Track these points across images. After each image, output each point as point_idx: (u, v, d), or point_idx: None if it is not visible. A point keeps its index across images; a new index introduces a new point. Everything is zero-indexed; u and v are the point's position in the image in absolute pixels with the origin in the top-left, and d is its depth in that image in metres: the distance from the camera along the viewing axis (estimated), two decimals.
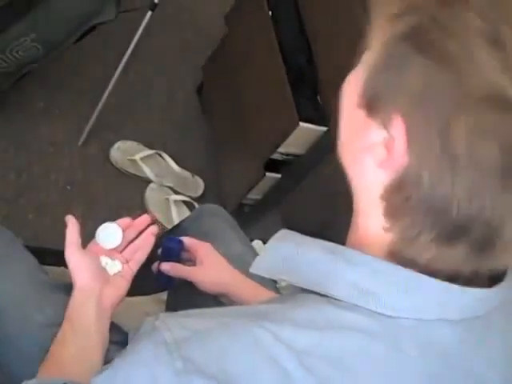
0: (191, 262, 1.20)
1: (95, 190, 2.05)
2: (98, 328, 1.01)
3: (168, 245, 1.19)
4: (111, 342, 1.04)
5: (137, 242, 1.14)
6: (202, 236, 1.28)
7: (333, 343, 0.61)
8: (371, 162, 0.63)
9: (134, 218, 1.15)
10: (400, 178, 0.61)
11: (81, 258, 1.05)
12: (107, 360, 0.99)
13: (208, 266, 1.18)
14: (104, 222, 1.14)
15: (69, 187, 2.01)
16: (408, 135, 0.59)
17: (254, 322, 0.62)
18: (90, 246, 1.08)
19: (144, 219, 1.16)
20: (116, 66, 1.90)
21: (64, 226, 1.07)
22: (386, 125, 0.61)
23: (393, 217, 0.64)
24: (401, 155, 0.60)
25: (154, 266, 1.19)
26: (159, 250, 1.18)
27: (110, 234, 1.11)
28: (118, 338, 1.10)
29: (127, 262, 1.11)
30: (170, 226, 1.94)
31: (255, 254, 1.36)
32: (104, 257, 1.08)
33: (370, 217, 0.66)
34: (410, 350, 0.63)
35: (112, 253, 1.10)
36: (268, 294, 1.17)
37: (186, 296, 1.20)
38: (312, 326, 0.62)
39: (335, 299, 0.64)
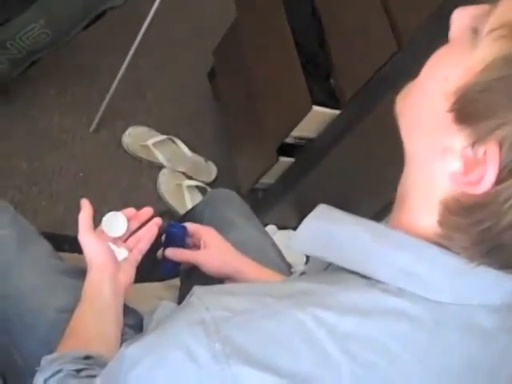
0: (196, 247, 1.20)
1: (108, 176, 2.05)
2: (115, 306, 1.02)
3: (171, 231, 1.20)
4: (127, 325, 1.05)
5: (140, 231, 1.16)
6: (215, 221, 1.28)
7: (376, 328, 0.61)
8: (440, 165, 0.61)
9: (139, 208, 1.17)
10: (475, 202, 0.59)
11: (95, 241, 1.06)
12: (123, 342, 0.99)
13: (212, 250, 1.18)
14: (117, 208, 1.14)
15: (81, 174, 2.00)
16: (500, 165, 0.56)
17: (298, 305, 0.61)
18: (96, 233, 1.08)
19: (148, 210, 1.17)
20: (126, 52, 1.89)
21: (77, 211, 1.07)
22: (473, 142, 0.58)
23: (449, 228, 0.62)
24: (488, 184, 0.57)
25: (159, 253, 1.20)
26: (163, 237, 1.19)
27: (115, 222, 1.12)
28: (134, 322, 1.11)
29: (131, 250, 1.12)
30: (183, 212, 1.93)
31: (269, 238, 1.36)
32: (110, 244, 1.08)
33: (420, 212, 0.65)
34: (453, 335, 0.62)
35: (116, 241, 1.11)
36: (280, 277, 1.17)
37: (198, 281, 1.20)
38: (356, 310, 0.61)
39: (378, 281, 0.63)
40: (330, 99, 1.79)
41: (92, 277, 1.03)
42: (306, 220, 0.70)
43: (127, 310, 1.06)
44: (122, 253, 1.10)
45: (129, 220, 1.14)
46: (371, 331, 0.60)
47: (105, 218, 1.11)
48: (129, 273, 1.09)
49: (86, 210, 1.07)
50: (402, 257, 0.63)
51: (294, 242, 0.71)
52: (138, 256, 1.12)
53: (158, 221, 1.17)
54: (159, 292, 1.34)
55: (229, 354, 0.58)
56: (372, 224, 0.66)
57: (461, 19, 0.64)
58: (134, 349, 0.63)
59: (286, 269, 1.28)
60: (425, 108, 0.64)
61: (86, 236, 1.05)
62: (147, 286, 1.32)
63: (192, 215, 1.39)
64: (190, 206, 2.02)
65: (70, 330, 0.96)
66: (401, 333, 0.61)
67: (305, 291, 0.64)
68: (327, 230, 0.68)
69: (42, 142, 2.01)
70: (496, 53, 0.57)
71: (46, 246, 1.16)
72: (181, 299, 1.29)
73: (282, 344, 0.59)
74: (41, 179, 1.93)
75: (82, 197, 1.11)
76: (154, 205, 2.00)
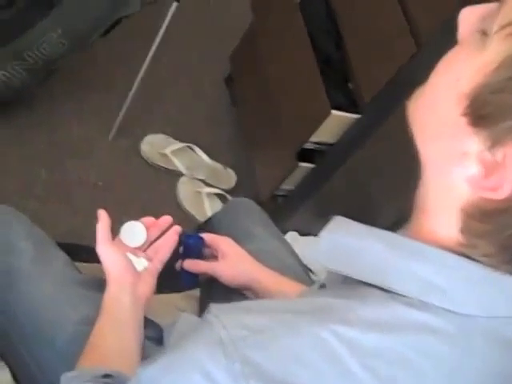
0: (214, 257, 1.19)
1: (126, 184, 2.04)
2: (135, 319, 1.00)
3: (189, 242, 1.18)
4: (147, 337, 1.03)
5: (160, 241, 1.13)
6: (233, 231, 1.26)
7: (399, 343, 0.58)
8: (458, 170, 0.59)
9: (158, 217, 1.14)
10: (497, 207, 0.57)
11: (113, 252, 1.04)
12: (144, 356, 0.97)
13: (229, 260, 1.16)
14: (136, 216, 1.13)
15: (100, 183, 2.00)
16: None
17: (318, 322, 0.59)
18: (115, 243, 1.07)
19: (167, 219, 1.15)
20: (143, 60, 1.88)
21: (96, 221, 1.06)
22: (490, 145, 0.56)
23: (471, 235, 0.60)
24: (509, 188, 0.55)
25: (177, 265, 1.18)
26: (181, 248, 1.17)
27: (134, 232, 1.10)
28: (154, 334, 1.09)
29: (151, 260, 1.10)
30: (202, 220, 1.92)
31: (289, 248, 1.34)
32: (129, 254, 1.07)
33: (440, 220, 0.63)
34: (480, 348, 0.60)
35: (136, 251, 1.09)
36: (299, 287, 1.15)
37: (218, 292, 1.18)
38: (377, 325, 0.59)
39: (399, 295, 0.60)
40: (348, 103, 1.77)
41: (111, 289, 1.01)
42: (322, 233, 0.69)
43: (147, 323, 1.04)
44: (141, 263, 1.08)
45: (148, 229, 1.12)
46: (394, 346, 0.58)
47: (123, 228, 1.10)
48: (149, 283, 1.07)
49: (103, 220, 1.06)
50: (424, 268, 0.61)
51: (310, 257, 0.69)
52: (158, 265, 1.10)
53: (177, 229, 1.15)
54: (179, 303, 1.32)
55: (248, 374, 0.56)
56: (390, 235, 0.64)
57: (468, 19, 0.62)
58: (150, 370, 0.62)
59: (306, 278, 1.26)
60: (437, 112, 0.62)
61: (103, 247, 1.04)
62: (167, 297, 1.31)
63: (210, 224, 1.37)
64: (209, 213, 2.01)
65: (90, 345, 0.94)
66: (425, 347, 0.58)
67: (324, 307, 0.62)
68: (344, 242, 0.66)
69: (60, 151, 2.01)
70: (506, 52, 0.55)
71: (63, 257, 1.15)
72: (201, 310, 1.28)
73: (303, 362, 0.57)
74: (60, 188, 1.93)
75: (101, 206, 1.10)
76: (174, 213, 1.98)
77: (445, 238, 0.62)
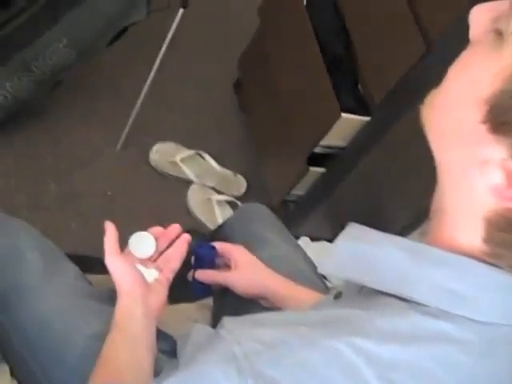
0: (226, 267, 1.16)
1: (136, 194, 2.03)
2: (147, 332, 0.97)
3: (200, 252, 1.16)
4: (160, 350, 1.01)
5: (170, 250, 1.10)
6: (246, 237, 1.24)
7: (419, 355, 0.56)
8: (480, 179, 0.57)
9: (166, 226, 1.12)
10: None
11: (122, 264, 1.01)
12: (157, 368, 0.95)
13: (243, 270, 1.14)
14: (147, 226, 1.11)
15: (109, 193, 1.98)
16: None
17: (333, 334, 0.57)
18: (123, 255, 1.04)
19: (176, 228, 1.12)
20: (150, 67, 1.87)
21: (104, 232, 1.04)
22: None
23: (496, 245, 0.58)
24: None
25: (189, 275, 1.16)
26: (192, 259, 1.14)
27: (143, 243, 1.08)
28: (167, 347, 1.06)
29: (161, 271, 1.07)
30: (213, 227, 1.90)
31: (302, 254, 1.32)
32: (138, 265, 1.04)
33: (462, 228, 0.61)
34: (504, 357, 0.58)
35: (145, 262, 1.07)
36: (314, 295, 1.13)
37: (232, 301, 1.16)
38: (396, 336, 0.57)
39: (419, 304, 0.58)
40: (358, 106, 1.75)
41: (122, 302, 0.99)
42: (336, 242, 0.67)
43: (160, 335, 1.02)
44: (152, 274, 1.05)
45: (157, 239, 1.09)
46: (414, 358, 0.56)
47: (131, 239, 1.07)
48: (161, 294, 1.04)
49: (110, 232, 1.03)
50: (444, 275, 0.59)
51: (326, 266, 0.67)
52: (169, 275, 1.07)
53: (187, 237, 1.12)
54: (192, 313, 1.30)
55: None
56: (409, 242, 0.62)
57: (479, 18, 0.59)
58: None
59: (321, 284, 1.24)
60: (454, 118, 0.59)
61: (111, 259, 1.01)
62: (179, 308, 1.29)
63: (222, 231, 1.35)
64: (220, 221, 1.99)
65: (102, 360, 0.92)
66: (447, 358, 0.56)
67: (340, 319, 0.60)
68: (360, 251, 0.64)
69: (69, 161, 2.00)
70: None
71: (73, 269, 1.13)
72: (214, 320, 1.26)
73: (318, 376, 0.55)
74: (69, 200, 1.92)
75: (111, 216, 1.08)
76: (184, 221, 1.97)
77: (466, 245, 0.60)
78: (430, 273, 0.59)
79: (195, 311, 1.32)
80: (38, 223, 1.20)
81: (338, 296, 0.79)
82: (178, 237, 1.11)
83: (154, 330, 0.98)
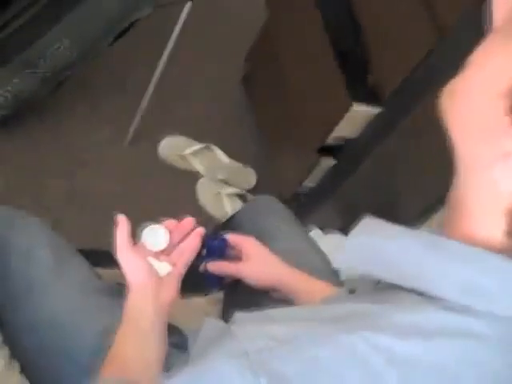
0: (238, 259, 1.15)
1: (146, 188, 2.02)
2: (158, 327, 0.96)
3: (212, 244, 1.14)
4: (171, 344, 0.99)
5: (183, 244, 1.08)
6: (257, 230, 1.23)
7: (441, 352, 0.54)
8: (503, 171, 0.55)
9: (180, 219, 1.10)
10: None
11: (133, 258, 1.00)
12: (168, 363, 0.94)
13: (254, 261, 1.13)
14: (156, 220, 1.09)
15: (119, 188, 1.97)
16: None
17: (348, 329, 0.55)
18: (135, 249, 1.03)
19: (189, 221, 1.10)
20: (157, 62, 1.85)
21: (115, 227, 1.03)
22: None
23: None
24: None
25: (201, 267, 1.15)
26: (204, 251, 1.13)
27: (156, 236, 1.06)
28: (177, 341, 1.05)
29: (174, 264, 1.05)
30: (222, 220, 1.89)
31: (315, 247, 1.31)
32: (151, 258, 1.03)
33: (483, 220, 0.58)
34: None
35: (158, 255, 1.05)
36: (328, 288, 1.11)
37: (243, 294, 1.15)
38: (416, 332, 0.54)
39: (438, 299, 0.56)
40: (369, 97, 1.73)
41: (133, 297, 0.97)
42: (350, 236, 0.65)
43: (171, 329, 1.01)
44: (164, 267, 1.03)
45: (170, 232, 1.08)
46: (436, 356, 0.54)
47: (144, 232, 1.05)
48: (173, 288, 1.02)
49: (122, 225, 1.02)
50: (466, 269, 0.56)
51: (340, 261, 0.65)
52: (181, 269, 1.05)
53: (200, 231, 1.10)
54: (204, 307, 1.29)
55: None
56: (427, 235, 0.60)
57: (504, 4, 0.57)
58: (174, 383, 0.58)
59: (334, 278, 1.22)
60: (477, 109, 0.57)
61: (123, 253, 1.00)
62: (191, 302, 1.28)
63: (233, 224, 1.34)
64: (230, 213, 1.98)
65: (111, 355, 0.90)
66: (470, 356, 0.54)
67: (355, 313, 0.58)
68: (376, 244, 0.62)
69: (78, 158, 1.99)
70: None
71: (83, 265, 1.12)
72: (224, 313, 1.25)
73: (333, 373, 0.53)
74: (79, 195, 1.91)
75: (121, 211, 1.07)
76: (195, 215, 1.96)
77: (487, 239, 0.58)
78: (451, 267, 0.57)
79: (208, 305, 1.31)
80: (48, 219, 1.19)
81: (352, 291, 0.78)
82: (191, 230, 1.10)
83: (165, 325, 0.97)
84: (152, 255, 1.03)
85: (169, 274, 1.03)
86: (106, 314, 1.02)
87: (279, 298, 1.12)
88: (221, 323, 0.98)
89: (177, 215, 1.14)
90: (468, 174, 0.59)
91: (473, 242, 0.58)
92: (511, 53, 0.53)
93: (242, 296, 1.17)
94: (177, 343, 1.04)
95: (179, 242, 1.08)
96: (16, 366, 1.06)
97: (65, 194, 1.90)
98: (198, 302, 1.30)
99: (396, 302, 0.58)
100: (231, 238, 1.16)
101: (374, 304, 0.59)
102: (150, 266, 1.01)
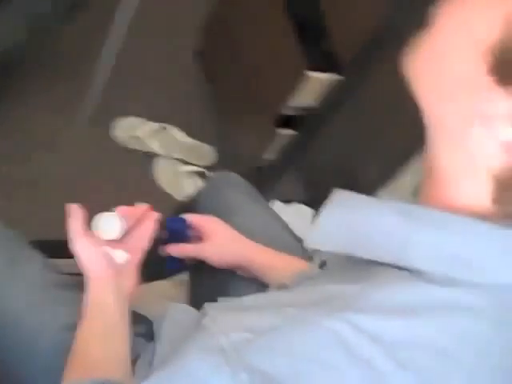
0: (199, 239, 1.11)
1: (101, 172, 1.94)
2: (121, 319, 0.90)
3: (171, 226, 1.11)
4: (136, 334, 0.94)
5: (139, 230, 1.02)
6: (219, 208, 1.19)
7: (427, 328, 0.50)
8: (486, 135, 0.51)
9: (131, 205, 1.04)
10: None
11: (88, 248, 0.94)
12: (134, 353, 0.89)
13: (215, 240, 1.09)
14: (115, 204, 1.03)
15: (73, 173, 1.90)
16: None
17: (328, 313, 0.51)
18: (91, 237, 0.96)
19: (142, 205, 1.05)
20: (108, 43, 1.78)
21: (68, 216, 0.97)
22: None
23: (506, 205, 0.53)
24: None
25: (162, 250, 1.10)
26: (164, 233, 1.08)
27: (108, 223, 0.99)
28: (143, 329, 1.00)
29: (130, 251, 0.99)
30: (184, 200, 1.84)
31: (278, 220, 1.27)
32: (107, 247, 0.96)
33: (463, 187, 0.55)
34: None
35: (112, 244, 0.98)
36: (295, 262, 1.08)
37: (208, 275, 1.11)
38: (400, 309, 0.51)
39: (420, 272, 0.52)
40: (326, 64, 1.70)
41: (92, 289, 0.91)
42: (322, 212, 0.60)
43: (135, 318, 0.95)
44: (121, 255, 0.97)
45: (123, 218, 1.00)
46: (422, 332, 0.50)
47: (95, 221, 0.98)
48: (132, 276, 0.97)
49: (75, 214, 0.95)
50: (449, 238, 0.53)
51: (312, 240, 0.60)
52: (139, 256, 1.00)
53: (154, 215, 1.04)
54: (167, 291, 1.24)
55: (259, 383, 0.48)
56: (402, 205, 0.56)
57: None
58: None
59: (300, 250, 1.19)
60: (450, 68, 0.53)
61: (77, 243, 0.93)
62: (154, 286, 1.23)
63: (195, 203, 1.29)
64: (190, 192, 1.93)
65: (74, 354, 0.84)
66: (457, 329, 0.51)
67: (332, 295, 0.54)
68: (349, 220, 0.58)
69: (29, 143, 1.91)
70: None
71: (38, 258, 1.05)
72: (192, 297, 1.20)
73: (318, 360, 0.49)
74: (30, 182, 1.83)
75: (77, 198, 1.01)
76: (154, 196, 1.91)
77: (470, 205, 0.54)
78: (430, 236, 0.53)
79: (171, 288, 1.26)
80: None
81: (322, 265, 0.74)
82: (145, 215, 1.04)
83: (127, 316, 0.91)
84: (106, 244, 0.97)
85: (127, 262, 0.97)
86: (68, 308, 0.96)
87: (246, 276, 1.08)
88: (187, 307, 0.94)
89: (135, 198, 1.08)
90: (443, 140, 0.55)
91: (454, 210, 0.54)
92: (490, 7, 0.49)
93: (208, 276, 1.13)
94: (141, 332, 0.99)
95: (134, 228, 1.02)
96: None
97: (16, 181, 1.82)
98: (161, 285, 1.25)
99: (376, 279, 0.54)
100: (190, 218, 1.11)
101: (350, 284, 0.55)
102: (106, 254, 0.95)
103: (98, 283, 0.91)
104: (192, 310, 0.93)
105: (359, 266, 0.58)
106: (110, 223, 0.98)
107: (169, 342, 0.88)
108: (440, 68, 0.54)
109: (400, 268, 0.53)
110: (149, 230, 1.02)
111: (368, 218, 0.57)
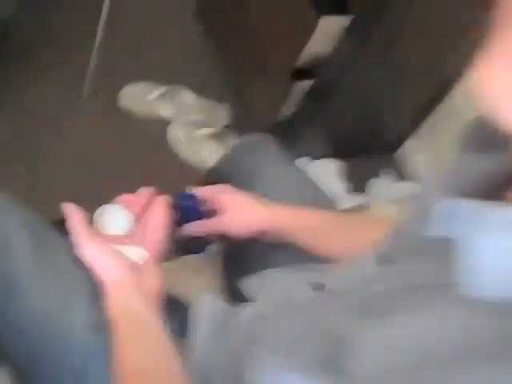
0: (215, 212, 1.02)
1: (114, 145, 1.86)
2: (153, 320, 0.80)
3: (183, 204, 1.01)
4: (170, 318, 0.84)
5: (149, 221, 0.90)
6: (245, 174, 1.13)
7: None
8: None
9: (134, 192, 0.94)
10: None
11: (99, 251, 0.83)
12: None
13: (233, 211, 1.00)
14: (132, 176, 0.92)
15: (85, 148, 1.82)
16: None
17: None
18: (98, 238, 0.85)
19: (146, 191, 0.94)
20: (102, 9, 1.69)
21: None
22: None
23: None
24: None
25: (177, 233, 1.00)
26: (177, 214, 0.98)
27: (114, 217, 0.89)
28: (176, 323, 0.89)
29: (146, 245, 0.87)
30: (202, 165, 1.76)
31: (307, 180, 1.20)
32: (119, 246, 0.84)
33: None
34: None
35: (122, 240, 0.87)
36: (325, 216, 1.02)
37: (238, 246, 1.03)
38: None
39: None
40: (336, 7, 1.62)
41: (112, 298, 0.81)
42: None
43: (170, 312, 0.84)
44: (135, 252, 0.85)
45: (128, 208, 0.90)
46: None
47: (97, 215, 0.87)
48: (155, 274, 0.85)
49: (74, 215, 0.84)
50: None
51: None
52: (158, 248, 0.88)
53: (163, 200, 0.92)
54: (201, 264, 1.17)
55: None
56: None
57: None
58: None
59: (330, 207, 1.14)
60: None
61: (85, 249, 0.83)
62: (186, 261, 1.15)
63: (219, 171, 1.21)
64: (208, 157, 1.85)
65: (120, 363, 0.75)
66: None
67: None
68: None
69: (36, 120, 1.83)
70: None
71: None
72: (226, 270, 1.12)
73: None
74: (38, 161, 1.75)
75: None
76: (171, 165, 1.83)
77: None
78: None
79: (203, 262, 1.18)
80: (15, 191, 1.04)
81: (380, 258, 0.66)
82: (152, 201, 0.92)
83: (160, 317, 0.81)
84: (118, 241, 0.86)
85: (144, 258, 0.85)
86: (91, 308, 0.87)
87: (273, 242, 1.00)
88: (222, 306, 0.88)
89: (152, 168, 0.99)
90: None
91: None
92: None
93: (237, 249, 1.05)
94: (175, 327, 0.89)
95: (144, 219, 0.91)
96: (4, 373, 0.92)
97: (27, 162, 1.75)
98: (194, 259, 1.16)
99: None
100: (201, 192, 1.03)
101: None
102: (122, 257, 0.84)
103: (117, 290, 0.82)
104: (220, 304, 0.88)
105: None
106: (116, 216, 0.88)
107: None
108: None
109: None
110: (161, 218, 0.90)
111: None
